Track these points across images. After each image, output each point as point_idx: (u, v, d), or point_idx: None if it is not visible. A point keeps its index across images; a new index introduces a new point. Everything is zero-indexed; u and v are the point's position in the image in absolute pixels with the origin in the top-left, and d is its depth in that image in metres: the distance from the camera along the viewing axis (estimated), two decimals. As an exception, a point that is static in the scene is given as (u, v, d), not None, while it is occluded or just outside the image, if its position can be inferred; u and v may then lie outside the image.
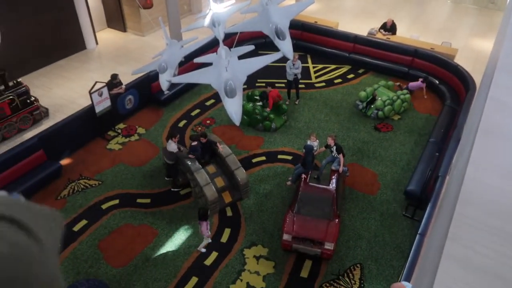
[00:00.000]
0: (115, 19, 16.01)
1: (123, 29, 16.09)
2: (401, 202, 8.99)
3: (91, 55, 14.59)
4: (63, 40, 13.16)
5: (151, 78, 11.33)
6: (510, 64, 2.94)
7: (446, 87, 12.24)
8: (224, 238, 8.22)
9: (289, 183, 9.23)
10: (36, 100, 11.02)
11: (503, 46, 3.28)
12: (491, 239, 1.29)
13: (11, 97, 10.38)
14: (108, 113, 10.45)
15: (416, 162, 9.62)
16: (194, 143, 8.79)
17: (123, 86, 10.84)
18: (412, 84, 12.28)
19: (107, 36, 15.80)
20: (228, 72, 5.36)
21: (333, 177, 8.63)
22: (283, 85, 12.50)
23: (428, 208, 7.57)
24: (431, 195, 7.88)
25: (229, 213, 8.76)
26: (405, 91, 11.92)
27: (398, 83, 12.59)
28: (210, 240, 7.98)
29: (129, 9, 15.52)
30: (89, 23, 14.40)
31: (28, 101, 10.82)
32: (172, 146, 8.63)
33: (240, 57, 6.19)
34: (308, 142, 9.06)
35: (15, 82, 10.73)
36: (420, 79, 12.29)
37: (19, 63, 12.20)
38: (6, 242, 0.56)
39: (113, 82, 10.66)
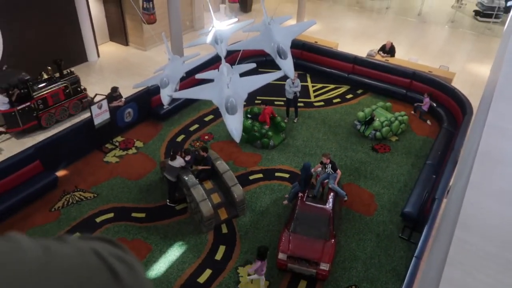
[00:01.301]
0: (118, 32, 16.18)
1: (125, 43, 16.25)
2: (398, 224, 8.95)
3: (93, 68, 14.68)
4: (65, 52, 13.24)
5: (151, 92, 11.39)
6: (507, 91, 2.98)
7: (444, 110, 12.34)
8: (218, 256, 8.13)
9: (285, 202, 9.19)
10: (85, 89, 12.10)
11: (501, 73, 3.33)
12: (491, 266, 1.28)
13: (65, 84, 11.55)
14: (107, 125, 10.45)
15: (413, 184, 9.62)
16: (188, 157, 8.82)
17: (123, 99, 10.89)
18: (425, 105, 12.31)
19: (109, 49, 15.94)
20: (230, 89, 5.40)
21: (330, 196, 8.61)
22: (282, 103, 12.58)
23: (424, 231, 7.54)
24: (428, 218, 7.85)
25: (224, 230, 8.69)
26: (402, 112, 12.01)
27: (413, 112, 12.65)
28: (264, 281, 7.40)
29: (132, 23, 15.71)
30: (91, 36, 14.54)
31: (79, 89, 11.98)
32: (179, 161, 8.64)
33: (242, 75, 6.25)
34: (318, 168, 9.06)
35: (68, 71, 11.85)
36: (425, 96, 12.34)
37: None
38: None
39: (113, 95, 10.70)
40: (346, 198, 9.15)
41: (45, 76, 11.40)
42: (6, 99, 10.47)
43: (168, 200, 9.13)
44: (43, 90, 11.13)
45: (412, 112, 12.64)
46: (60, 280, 0.58)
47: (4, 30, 11.87)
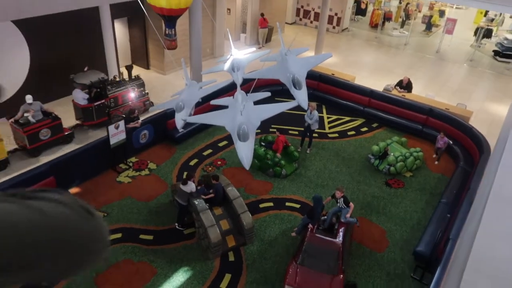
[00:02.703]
0: (140, 56, 16.67)
1: (147, 66, 16.69)
2: (410, 263, 8.67)
3: (113, 89, 15.03)
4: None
5: (168, 115, 11.56)
6: (524, 132, 2.94)
7: (460, 148, 12.16)
8: (223, 284, 7.97)
9: (294, 234, 9.03)
10: (147, 93, 13.40)
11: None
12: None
13: (133, 86, 12.88)
14: (122, 146, 10.61)
15: (427, 222, 9.39)
16: (200, 187, 8.84)
17: (140, 121, 11.08)
18: (440, 144, 11.87)
19: (130, 72, 16.34)
20: (243, 116, 5.46)
21: (340, 230, 8.44)
22: (297, 132, 12.61)
23: (437, 272, 7.27)
24: (441, 258, 7.60)
25: (231, 257, 8.56)
26: (418, 148, 11.87)
27: (434, 155, 12.24)
28: None
29: (154, 48, 16.18)
30: (114, 58, 14.97)
31: (143, 92, 13.26)
32: (191, 186, 8.67)
33: (256, 103, 6.33)
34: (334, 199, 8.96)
35: (136, 76, 13.17)
36: (440, 137, 11.83)
37: (44, 89, 12.62)
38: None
39: (130, 116, 10.92)
40: (358, 224, 9.00)
41: (117, 79, 12.93)
42: (87, 96, 11.84)
43: (176, 224, 9.09)
44: (116, 90, 12.46)
45: (434, 155, 12.22)
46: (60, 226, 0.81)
47: (33, 48, 12.38)
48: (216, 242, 8.20)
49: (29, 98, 10.60)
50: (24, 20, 9.31)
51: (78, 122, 12.22)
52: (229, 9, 19.81)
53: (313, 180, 11.00)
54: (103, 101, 12.08)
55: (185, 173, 9.10)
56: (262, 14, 19.69)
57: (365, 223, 9.65)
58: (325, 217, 8.90)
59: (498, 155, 3.48)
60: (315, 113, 11.56)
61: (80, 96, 11.77)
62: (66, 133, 11.48)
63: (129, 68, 13.12)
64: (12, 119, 10.61)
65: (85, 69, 12.33)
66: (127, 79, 12.99)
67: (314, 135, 12.34)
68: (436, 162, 12.09)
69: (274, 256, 8.63)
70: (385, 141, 12.11)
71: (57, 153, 10.88)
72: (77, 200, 0.88)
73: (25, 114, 10.50)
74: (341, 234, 8.32)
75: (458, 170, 11.20)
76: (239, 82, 6.37)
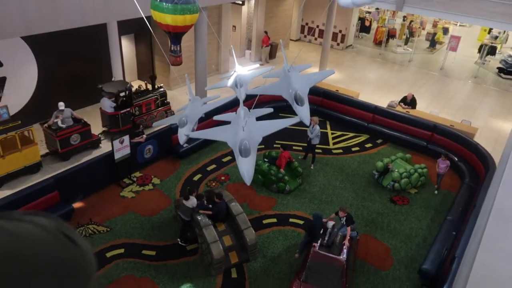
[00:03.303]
0: (146, 72, 16.84)
1: (152, 82, 16.81)
2: (415, 281, 8.53)
3: (119, 104, 15.17)
4: (93, 88, 13.82)
5: (172, 130, 11.63)
6: (526, 149, 2.93)
7: (465, 165, 12.08)
8: (225, 301, 7.88)
9: (297, 255, 8.88)
10: (169, 102, 14.03)
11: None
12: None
13: (156, 96, 13.68)
14: (126, 160, 10.65)
15: (432, 240, 9.26)
16: (200, 201, 8.83)
17: (144, 136, 11.15)
18: (441, 168, 11.14)
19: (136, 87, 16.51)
20: (245, 132, 5.49)
21: (344, 247, 8.35)
22: (301, 148, 12.61)
23: (443, 291, 7.15)
24: (447, 277, 7.47)
25: (234, 274, 8.47)
26: (423, 165, 11.80)
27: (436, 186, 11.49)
28: None
29: (160, 64, 16.38)
30: (121, 74, 15.15)
31: (165, 101, 13.97)
32: (193, 201, 8.67)
33: (259, 119, 6.36)
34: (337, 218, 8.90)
35: (158, 86, 14.08)
36: (442, 160, 11.13)
37: (50, 106, 12.76)
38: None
39: (135, 131, 10.99)
40: (358, 237, 8.92)
41: (141, 88, 13.68)
42: (114, 104, 12.26)
43: (179, 239, 9.04)
44: (140, 99, 13.22)
45: (435, 186, 11.53)
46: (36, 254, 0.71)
47: (40, 63, 12.61)
48: (219, 258, 8.13)
49: (61, 105, 11.29)
50: (32, 35, 9.50)
51: (104, 129, 12.74)
52: (234, 26, 20.08)
53: (317, 196, 10.94)
54: (128, 109, 12.62)
55: (188, 188, 9.09)
56: (266, 32, 19.95)
57: (369, 240, 9.55)
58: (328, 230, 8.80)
59: (501, 171, 3.47)
60: (317, 127, 11.59)
61: (107, 104, 12.25)
62: (94, 139, 12.01)
63: (152, 79, 13.91)
64: (46, 124, 11.26)
65: (113, 78, 12.91)
66: (150, 89, 13.77)
67: (318, 150, 12.33)
68: (436, 192, 11.40)
69: (278, 273, 8.53)
70: (389, 157, 12.06)
71: (86, 157, 11.35)
72: (62, 226, 0.80)
73: (55, 120, 11.11)
74: (345, 251, 8.23)
75: (464, 187, 11.09)
76: (242, 98, 6.42)
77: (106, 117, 12.57)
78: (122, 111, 12.39)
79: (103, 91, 12.22)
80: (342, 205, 9.61)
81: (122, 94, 12.36)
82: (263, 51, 20.31)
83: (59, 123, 11.10)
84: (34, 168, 10.72)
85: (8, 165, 10.17)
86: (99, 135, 12.36)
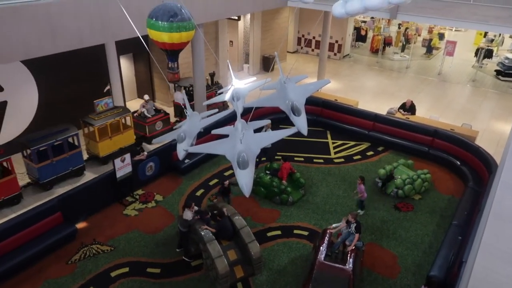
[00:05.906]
0: (145, 90, 16.98)
1: (152, 99, 16.96)
2: (423, 288, 8.41)
3: (119, 123, 15.25)
4: (93, 108, 13.93)
5: (173, 146, 11.63)
6: (522, 149, 2.92)
7: (468, 169, 12.03)
8: (232, 317, 7.78)
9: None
10: None
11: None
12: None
13: (215, 90, 15.69)
14: (128, 178, 10.66)
15: (439, 246, 9.16)
16: (197, 217, 8.81)
17: (145, 153, 11.17)
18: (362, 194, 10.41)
19: (136, 106, 16.60)
20: (242, 144, 5.51)
21: (350, 256, 8.26)
22: (302, 158, 12.60)
23: (452, 297, 7.05)
24: (455, 283, 7.37)
25: (239, 289, 8.39)
26: (425, 170, 11.75)
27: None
28: None
29: (159, 81, 16.53)
30: (121, 93, 15.25)
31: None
32: (188, 215, 8.65)
33: (257, 131, 6.39)
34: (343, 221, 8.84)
35: (216, 81, 16.44)
36: (358, 182, 10.30)
37: (51, 126, 12.85)
38: None
39: (136, 148, 11.03)
40: (363, 247, 8.81)
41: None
42: (186, 96, 13.03)
43: (178, 249, 9.04)
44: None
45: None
46: None
47: (41, 85, 12.76)
48: (223, 273, 8.06)
49: (146, 97, 13.96)
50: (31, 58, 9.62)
51: (177, 119, 14.87)
52: (231, 41, 20.29)
53: (320, 206, 10.89)
54: (193, 102, 14.41)
55: (186, 201, 9.12)
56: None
57: (375, 249, 9.46)
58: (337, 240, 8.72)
59: (500, 173, 3.46)
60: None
61: (180, 97, 13.04)
62: (173, 127, 12.90)
63: (212, 75, 16.14)
64: (136, 114, 13.56)
65: (107, 87, 13.97)
66: (210, 84, 15.86)
67: (319, 160, 12.31)
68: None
69: (284, 286, 8.44)
70: (391, 164, 12.02)
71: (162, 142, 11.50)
72: None
73: (141, 110, 13.62)
74: (351, 260, 8.15)
75: (468, 191, 11.02)
76: (239, 111, 6.46)
77: (178, 108, 14.65)
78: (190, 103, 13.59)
79: (178, 85, 14.72)
80: (353, 211, 9.50)
81: (190, 88, 14.66)
82: None
83: (146, 113, 13.56)
84: (135, 149, 11.62)
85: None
86: (176, 122, 13.77)
